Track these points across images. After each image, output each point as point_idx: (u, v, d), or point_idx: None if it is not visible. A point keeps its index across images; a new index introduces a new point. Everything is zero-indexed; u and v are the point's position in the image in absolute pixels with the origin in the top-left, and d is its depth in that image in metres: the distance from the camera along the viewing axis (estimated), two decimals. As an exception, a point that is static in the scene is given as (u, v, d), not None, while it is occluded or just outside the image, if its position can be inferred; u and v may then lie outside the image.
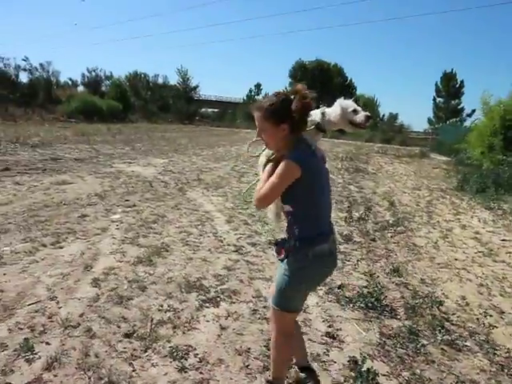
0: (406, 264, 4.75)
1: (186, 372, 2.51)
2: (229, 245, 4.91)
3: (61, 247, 4.32)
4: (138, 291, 3.48)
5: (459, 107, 40.44)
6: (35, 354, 2.53)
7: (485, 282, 4.42)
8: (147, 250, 4.45)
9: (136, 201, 6.61)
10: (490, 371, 2.88)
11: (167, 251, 4.49)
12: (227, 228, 5.61)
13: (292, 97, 1.92)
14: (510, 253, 5.53)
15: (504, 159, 12.71)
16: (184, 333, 2.93)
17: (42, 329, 2.80)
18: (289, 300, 2.06)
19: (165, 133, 22.27)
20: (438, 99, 41.35)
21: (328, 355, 2.83)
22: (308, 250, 1.97)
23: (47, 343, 2.65)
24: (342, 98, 2.24)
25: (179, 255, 4.41)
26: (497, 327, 3.48)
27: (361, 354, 2.84)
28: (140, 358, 2.61)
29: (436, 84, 41.36)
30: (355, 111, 2.16)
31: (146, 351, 2.68)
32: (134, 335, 2.84)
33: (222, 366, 2.60)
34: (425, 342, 3.12)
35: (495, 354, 3.10)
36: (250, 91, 50.04)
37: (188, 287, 3.65)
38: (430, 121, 42.29)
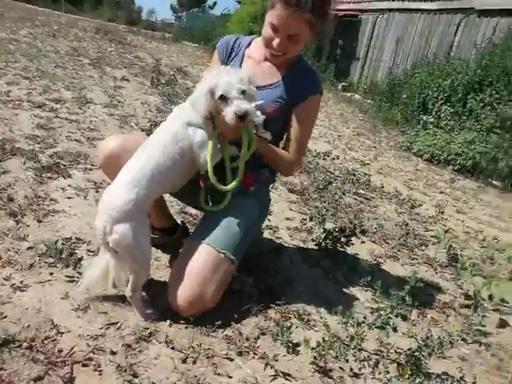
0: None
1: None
2: (21, 101, 3.05)
3: None
4: None
5: (202, -4, 40.41)
6: None
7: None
8: None
9: None
10: (402, 212, 2.78)
11: None
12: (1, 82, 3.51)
13: None
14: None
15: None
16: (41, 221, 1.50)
17: None
18: (247, 244, 1.40)
19: None
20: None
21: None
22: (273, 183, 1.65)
23: None
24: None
25: None
26: (371, 175, 3.44)
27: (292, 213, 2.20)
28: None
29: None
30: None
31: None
32: None
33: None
34: (341, 194, 2.74)
35: (393, 197, 3.04)
36: None
37: (-7, 154, 1.96)
38: (173, 8, 40.99)
